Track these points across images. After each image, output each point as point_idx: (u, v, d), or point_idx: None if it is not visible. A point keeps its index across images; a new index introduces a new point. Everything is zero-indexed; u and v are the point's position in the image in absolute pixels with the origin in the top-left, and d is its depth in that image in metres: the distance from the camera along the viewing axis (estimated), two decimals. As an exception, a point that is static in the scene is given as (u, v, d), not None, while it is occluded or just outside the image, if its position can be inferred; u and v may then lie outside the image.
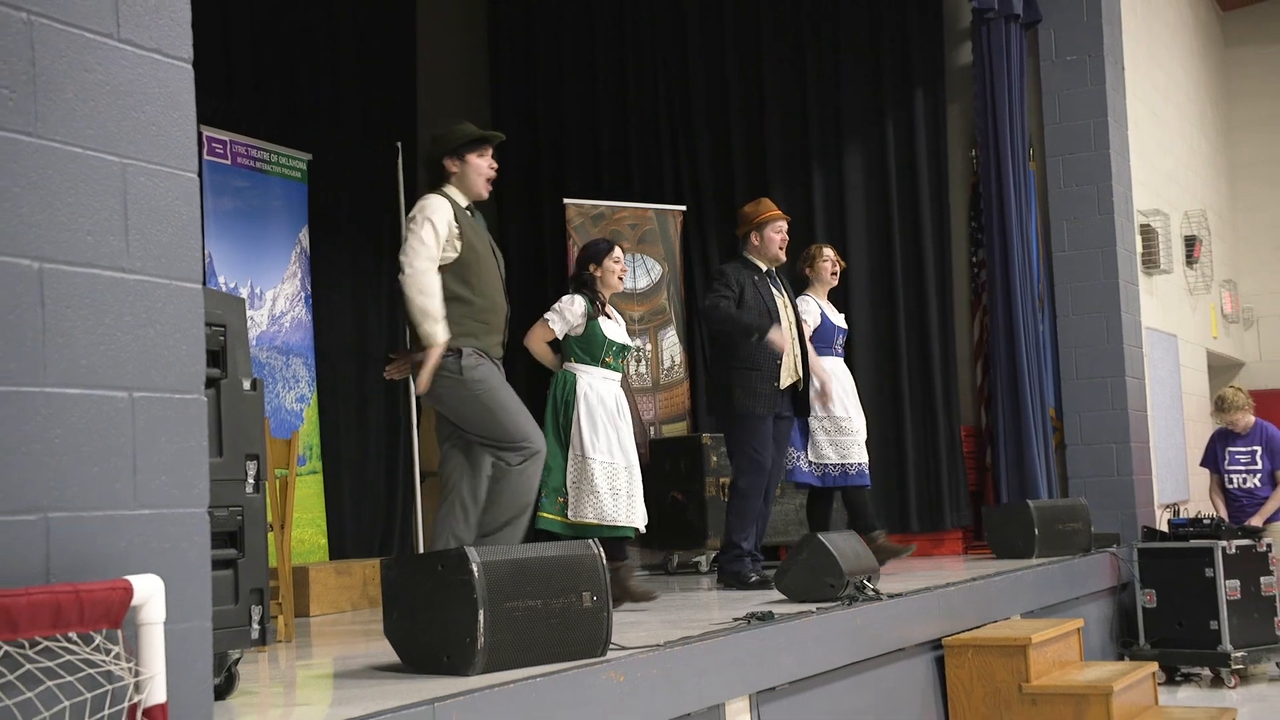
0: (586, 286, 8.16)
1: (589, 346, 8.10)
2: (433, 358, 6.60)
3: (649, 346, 11.32)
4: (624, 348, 8.30)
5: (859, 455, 9.83)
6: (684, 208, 11.95)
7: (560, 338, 8.08)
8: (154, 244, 3.47)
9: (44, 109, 3.22)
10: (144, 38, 3.51)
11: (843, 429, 9.72)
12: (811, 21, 13.06)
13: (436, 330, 6.59)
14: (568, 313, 8.07)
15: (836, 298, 10.52)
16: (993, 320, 12.12)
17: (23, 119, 3.16)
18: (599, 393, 8.06)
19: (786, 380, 8.86)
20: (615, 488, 7.98)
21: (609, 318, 8.21)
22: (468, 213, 6.99)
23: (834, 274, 9.46)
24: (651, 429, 11.13)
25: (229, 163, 9.90)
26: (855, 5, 12.91)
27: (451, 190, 6.97)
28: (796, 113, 13.11)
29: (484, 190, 7.05)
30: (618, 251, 8.37)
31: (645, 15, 13.55)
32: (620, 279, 8.36)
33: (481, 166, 6.99)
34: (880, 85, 12.87)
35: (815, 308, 9.75)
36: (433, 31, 13.07)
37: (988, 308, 12.24)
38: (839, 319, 10.16)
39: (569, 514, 7.92)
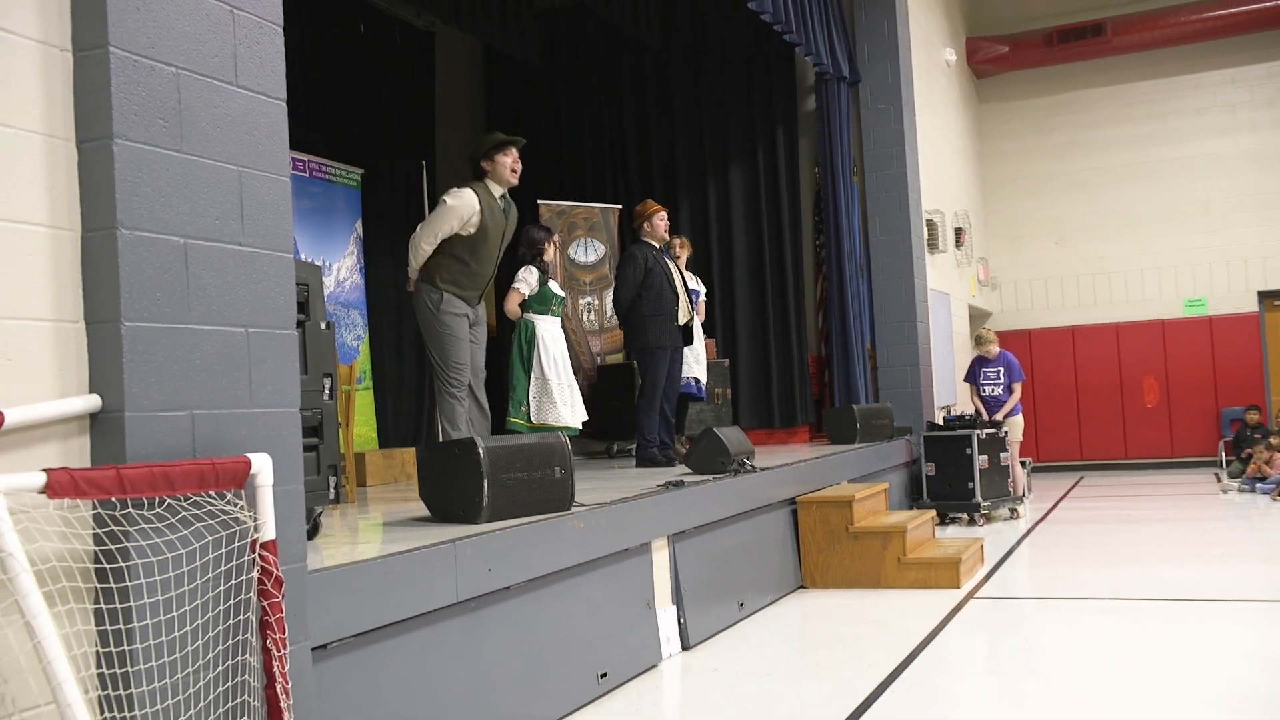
0: (535, 260, 8.30)
1: (543, 302, 8.25)
2: (410, 287, 7.03)
3: (596, 301, 11.31)
4: (562, 298, 8.55)
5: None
6: (619, 206, 11.93)
7: (526, 297, 8.22)
8: (260, 226, 3.49)
9: (187, 133, 3.23)
10: (253, 84, 3.50)
11: (699, 359, 9.85)
12: (708, 78, 13.05)
13: (412, 275, 7.00)
14: (530, 280, 8.21)
15: (702, 267, 10.63)
16: (830, 283, 12.21)
17: (172, 139, 3.18)
18: (551, 334, 8.28)
19: (683, 319, 8.92)
20: (564, 400, 8.13)
21: (553, 279, 8.46)
22: (499, 200, 7.01)
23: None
24: (599, 358, 11.14)
25: (306, 175, 9.89)
26: (737, 67, 12.91)
27: (488, 182, 6.99)
28: (697, 142, 13.11)
29: (512, 180, 7.13)
30: (555, 238, 8.66)
31: (594, 70, 13.50)
32: (551, 250, 8.60)
33: (507, 163, 7.07)
34: (754, 124, 12.89)
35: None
36: (446, 82, 13.01)
37: (826, 275, 12.33)
38: (694, 281, 10.20)
39: (532, 418, 8.06)
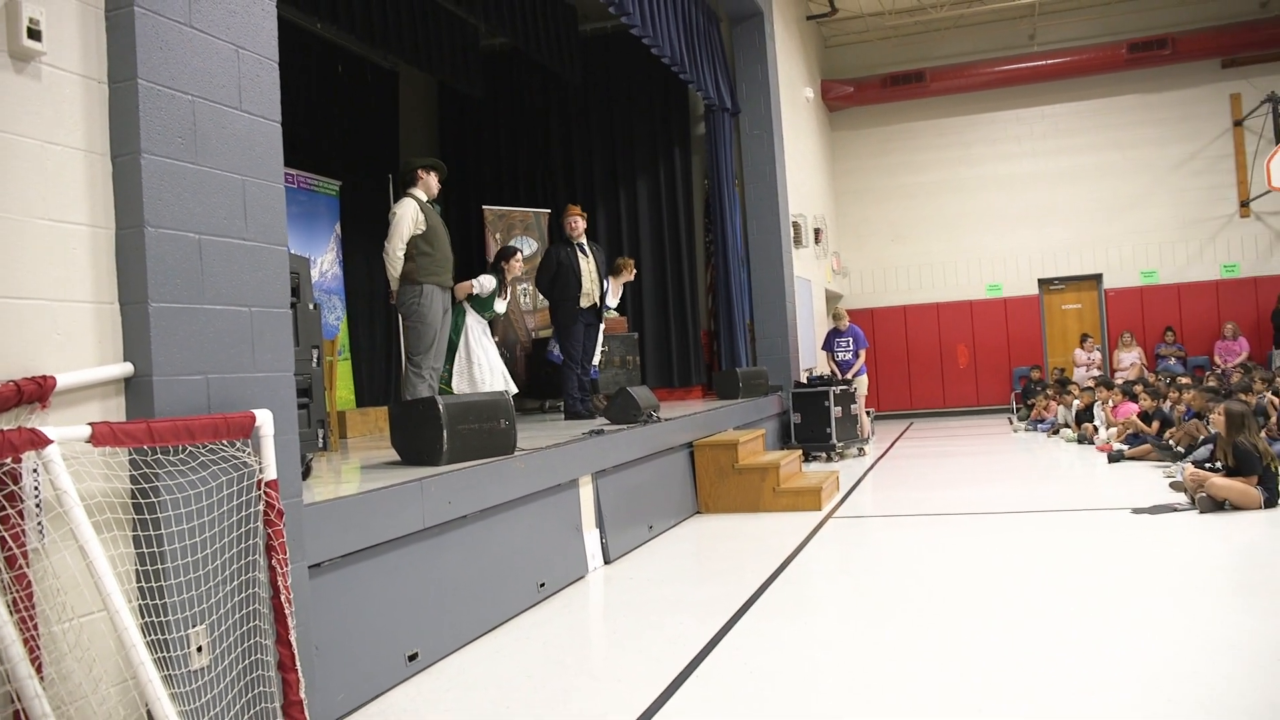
0: (498, 272, 8.19)
1: (480, 306, 8.15)
2: (393, 299, 6.90)
3: (530, 287, 11.20)
4: (498, 315, 8.42)
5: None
6: (549, 210, 11.81)
7: (475, 291, 8.10)
8: (260, 224, 3.40)
9: (200, 148, 3.13)
10: (255, 109, 3.40)
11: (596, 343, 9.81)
12: (620, 107, 12.93)
13: (393, 286, 6.84)
14: (485, 283, 8.12)
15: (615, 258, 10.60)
16: (717, 272, 12.21)
17: (189, 154, 3.09)
18: (474, 327, 8.18)
19: (585, 303, 8.84)
20: (482, 378, 8.04)
21: (502, 297, 8.28)
22: (429, 204, 6.91)
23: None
24: (533, 333, 11.03)
25: (294, 186, 9.63)
26: (643, 99, 12.81)
27: (417, 190, 6.88)
28: (611, 158, 12.98)
29: (434, 191, 7.00)
30: (520, 256, 8.47)
31: (528, 100, 13.32)
32: (520, 267, 8.43)
33: (434, 179, 6.95)
34: (657, 144, 12.80)
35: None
36: (408, 110, 12.73)
37: (714, 265, 12.32)
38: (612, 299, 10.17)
39: (454, 390, 7.99)
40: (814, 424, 11.22)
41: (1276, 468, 7.06)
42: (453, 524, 4.67)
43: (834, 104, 17.89)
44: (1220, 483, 6.89)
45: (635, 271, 10.67)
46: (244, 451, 3.10)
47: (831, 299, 16.70)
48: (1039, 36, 17.30)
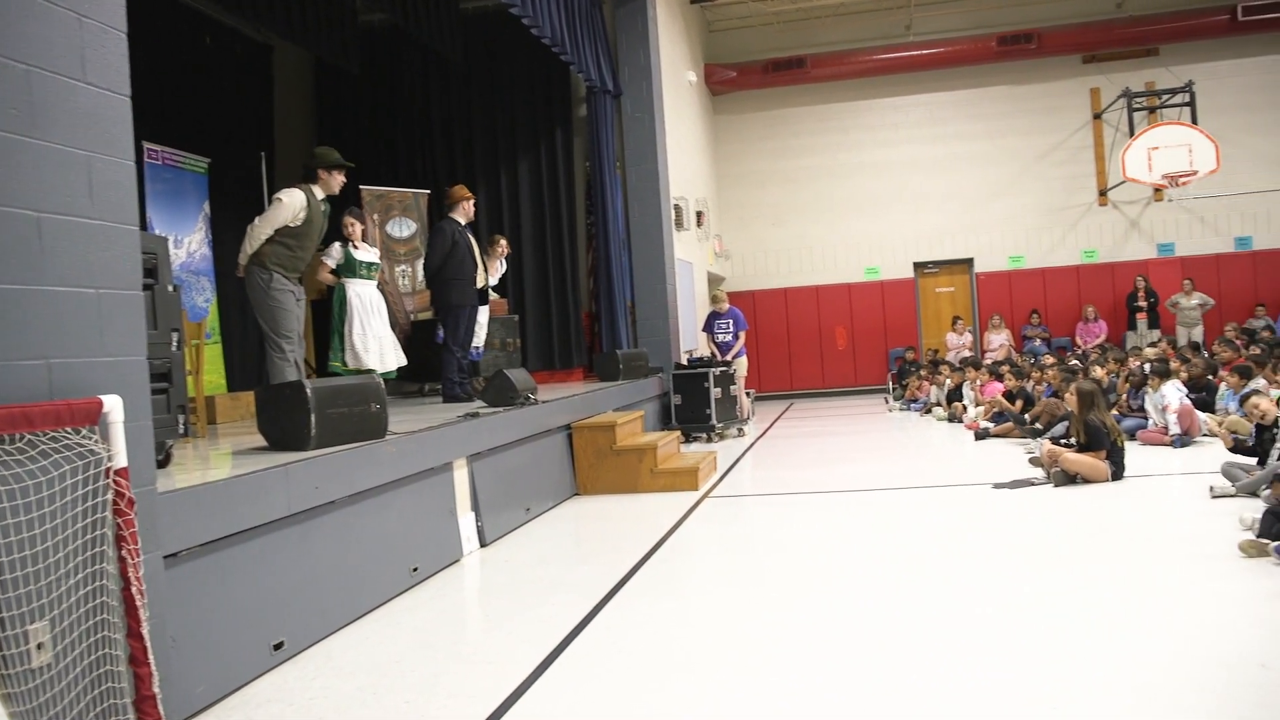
0: (339, 236, 8.05)
1: (350, 269, 8.00)
2: (240, 273, 6.68)
3: (409, 269, 11.02)
4: (372, 264, 8.23)
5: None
6: (429, 191, 11.62)
7: (334, 268, 7.95)
8: (108, 202, 3.26)
9: (39, 121, 2.99)
10: (101, 81, 3.25)
11: (481, 325, 9.69)
12: (501, 87, 12.81)
13: (242, 262, 6.61)
14: (334, 253, 7.97)
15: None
16: (598, 254, 12.22)
17: (24, 126, 2.94)
18: (359, 293, 8.03)
19: (480, 283, 8.79)
20: (370, 349, 7.93)
21: (358, 249, 8.11)
22: (321, 202, 6.71)
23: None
24: (411, 315, 10.87)
25: (159, 162, 9.22)
26: (524, 79, 12.72)
27: (315, 187, 6.68)
28: (492, 139, 12.87)
29: (335, 191, 6.80)
30: (354, 212, 8.35)
31: (408, 78, 13.08)
32: (361, 229, 8.28)
33: (338, 180, 6.74)
34: (538, 125, 12.74)
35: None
36: (283, 86, 12.34)
37: (595, 247, 12.33)
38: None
39: (347, 364, 7.85)
40: (694, 405, 11.34)
41: (1123, 443, 7.46)
42: (321, 509, 4.59)
43: (717, 88, 18.05)
44: (1072, 458, 7.25)
45: (509, 249, 10.58)
46: (91, 439, 2.98)
47: (714, 281, 16.89)
48: (915, 27, 17.76)
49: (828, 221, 18.26)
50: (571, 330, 12.54)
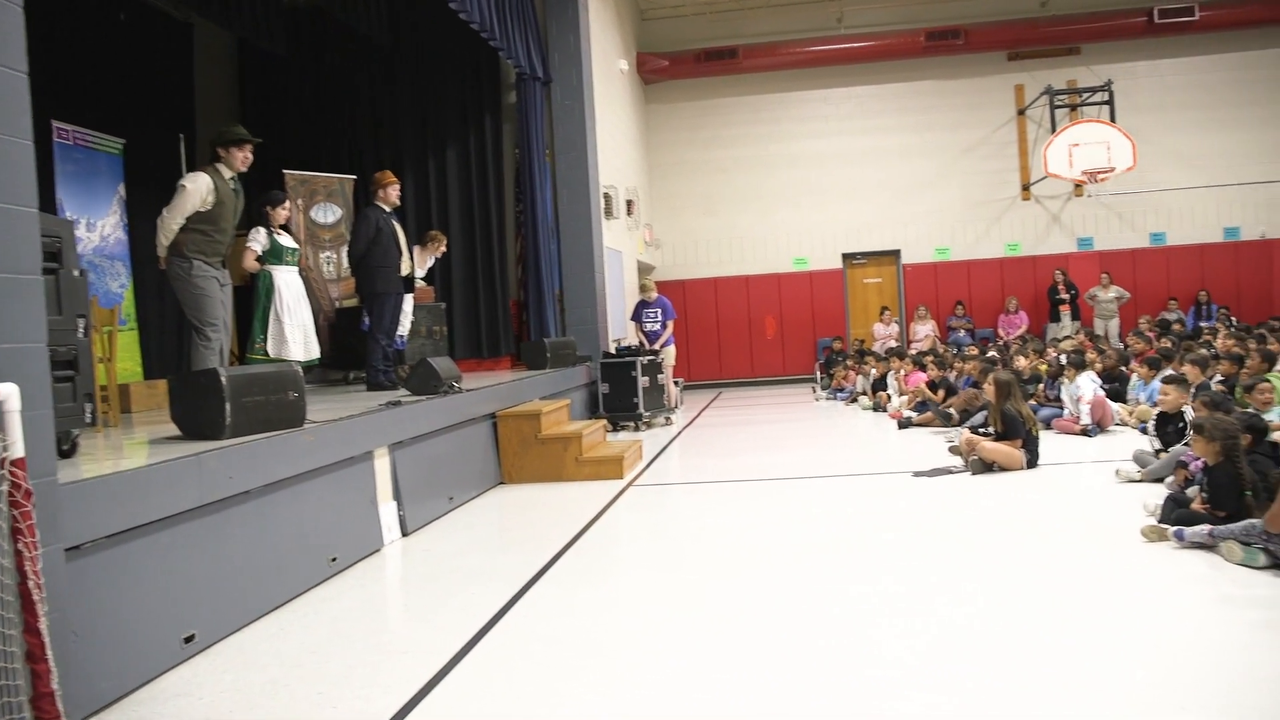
0: (263, 221, 7.84)
1: (275, 255, 7.82)
2: (161, 264, 6.51)
3: (335, 255, 10.85)
4: (295, 250, 8.05)
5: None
6: (355, 177, 11.44)
7: (260, 254, 7.74)
8: (3, 183, 3.16)
9: (-74, 99, 2.85)
10: (-5, 59, 3.13)
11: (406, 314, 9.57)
12: (429, 72, 12.69)
13: (161, 254, 6.45)
14: (259, 238, 7.77)
15: (423, 227, 10.40)
16: (527, 242, 12.16)
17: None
18: (286, 280, 7.84)
19: (405, 270, 8.69)
20: (295, 338, 7.76)
21: (280, 234, 7.92)
22: (229, 181, 6.53)
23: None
24: (336, 302, 10.71)
25: (70, 142, 8.95)
26: (453, 65, 12.61)
27: (220, 166, 6.50)
28: (420, 125, 12.75)
29: (242, 169, 6.60)
30: (286, 205, 8.10)
31: (334, 61, 12.87)
32: (285, 214, 8.04)
33: (240, 156, 6.54)
34: (467, 111, 12.65)
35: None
36: (204, 66, 12.03)
37: (524, 235, 12.26)
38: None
39: (269, 353, 7.68)
40: (621, 394, 11.37)
41: (1038, 432, 7.66)
42: (235, 500, 4.51)
43: (649, 77, 18.05)
44: (989, 446, 7.42)
45: (446, 248, 10.51)
46: (-15, 428, 2.90)
47: (644, 270, 16.92)
48: (846, 20, 17.95)
49: (758, 212, 18.40)
50: (499, 318, 12.48)
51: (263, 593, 4.64)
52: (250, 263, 7.74)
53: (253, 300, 7.93)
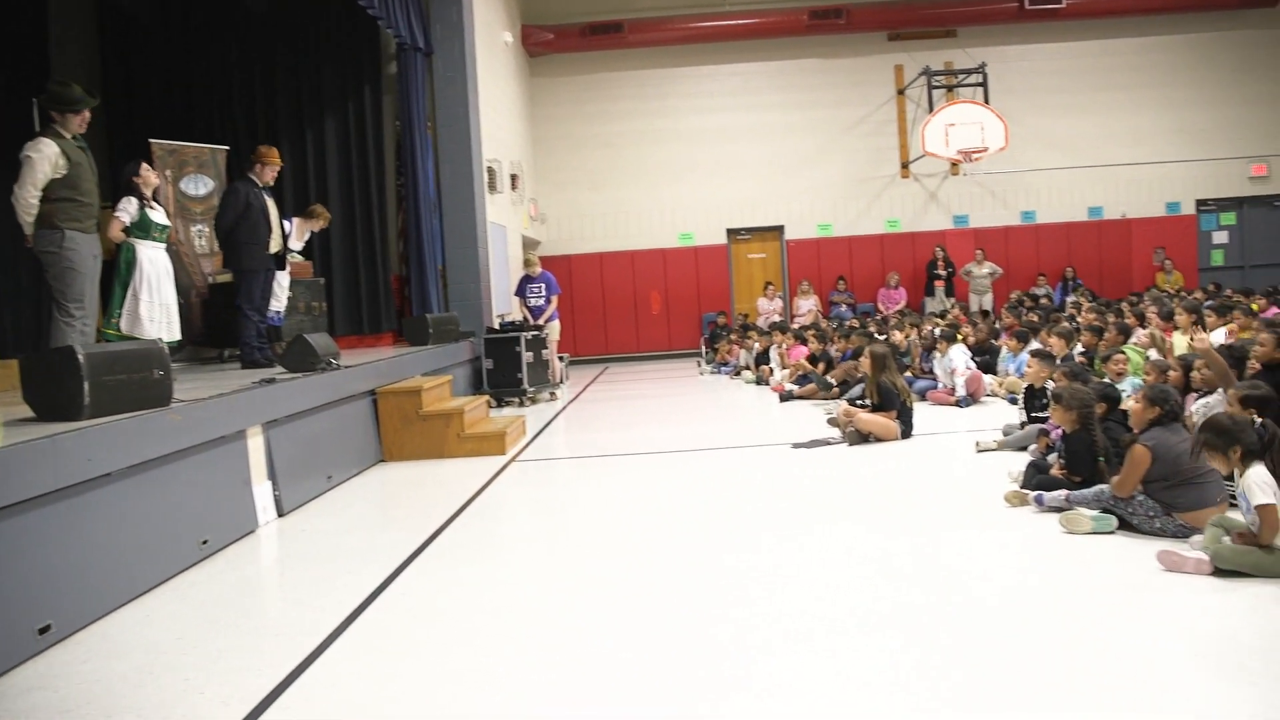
0: (133, 190, 7.44)
1: (144, 228, 7.42)
2: (29, 242, 6.17)
3: (206, 229, 10.45)
4: (165, 226, 7.65)
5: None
6: (227, 148, 11.03)
7: (128, 225, 7.36)
8: None
9: None
10: None
11: (283, 289, 9.33)
12: (306, 39, 12.31)
13: (28, 231, 6.12)
14: (129, 209, 7.37)
15: (301, 201, 10.11)
16: (408, 216, 11.95)
17: None
18: (150, 257, 7.44)
19: (274, 248, 8.44)
20: (152, 317, 7.39)
21: (153, 208, 7.55)
22: (73, 140, 6.20)
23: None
24: (209, 278, 10.33)
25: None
26: (331, 32, 12.26)
27: (58, 128, 6.16)
28: (296, 94, 12.35)
29: (80, 130, 6.26)
30: (146, 167, 7.65)
31: (204, 25, 12.35)
32: (154, 179, 7.65)
33: (76, 120, 6.20)
34: (346, 81, 12.31)
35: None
36: (61, 26, 11.39)
37: (406, 209, 12.04)
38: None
39: (122, 329, 7.30)
40: (506, 369, 11.31)
41: (912, 403, 7.91)
42: (95, 483, 4.33)
43: (534, 50, 17.88)
44: (865, 418, 7.64)
45: (328, 222, 10.25)
46: None
47: (529, 245, 16.81)
48: (730, -3, 18.10)
49: (644, 187, 18.45)
50: (380, 294, 12.24)
51: (127, 579, 4.49)
52: (116, 233, 7.36)
53: (113, 274, 7.55)
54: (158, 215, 7.57)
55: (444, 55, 12.26)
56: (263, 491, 5.98)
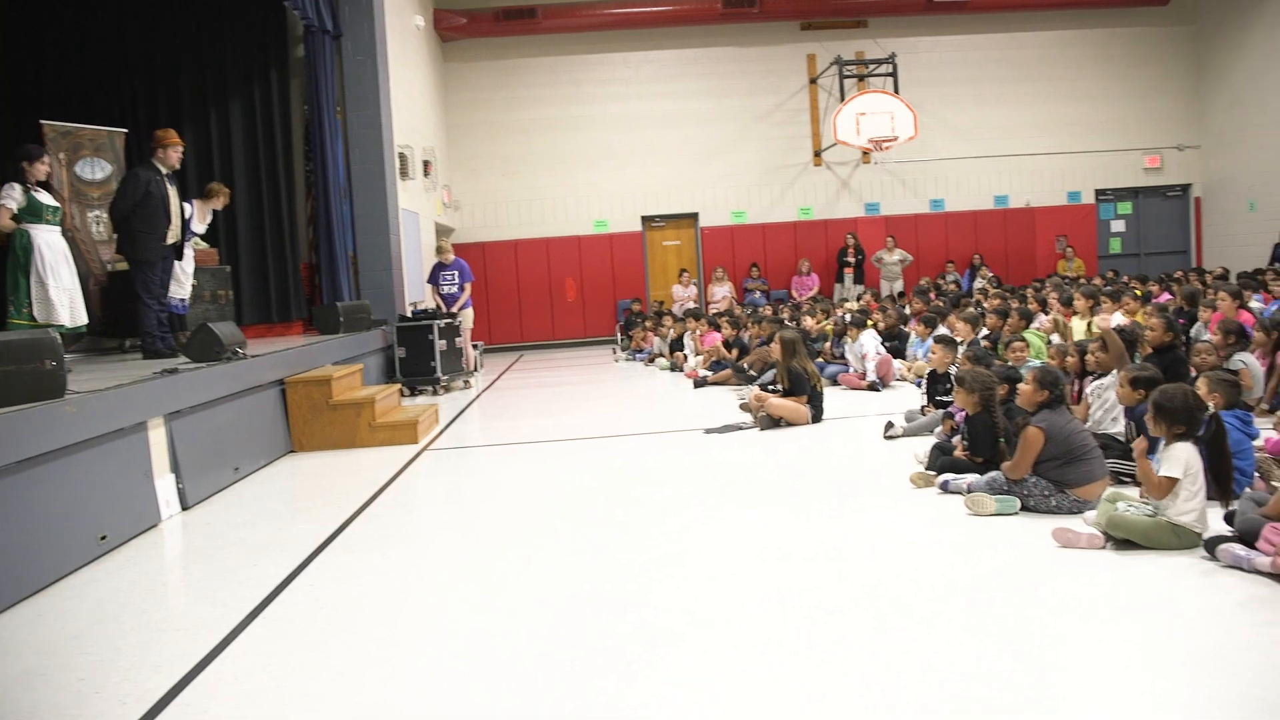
0: (19, 176, 7.14)
1: (34, 213, 7.13)
2: None
3: (104, 215, 10.10)
4: (56, 208, 7.36)
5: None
6: (126, 130, 10.66)
7: (15, 211, 7.07)
8: None
9: None
10: None
11: (188, 276, 9.10)
12: (208, 20, 11.94)
13: None
14: (14, 195, 7.07)
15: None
16: (318, 202, 11.70)
17: None
18: (48, 241, 7.17)
19: (172, 239, 8.19)
20: (61, 302, 7.13)
21: (38, 191, 7.24)
22: None
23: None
24: (108, 265, 9.99)
25: None
26: (234, 13, 11.91)
27: None
28: (198, 76, 11.98)
29: None
30: (46, 158, 7.34)
31: (101, 4, 11.92)
32: (45, 169, 7.33)
33: None
34: (251, 64, 12.01)
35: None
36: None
37: (315, 195, 11.79)
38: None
39: (35, 318, 7.03)
40: (418, 358, 11.17)
41: (822, 388, 8.04)
42: (-18, 478, 4.18)
43: (447, 35, 17.63)
44: (776, 402, 7.74)
45: (229, 199, 9.96)
46: None
47: (442, 232, 16.61)
48: (644, -17, 18.06)
49: (559, 174, 18.36)
50: (290, 282, 11.99)
51: (17, 577, 4.33)
52: (4, 221, 7.07)
53: (7, 263, 7.25)
54: (46, 198, 7.28)
55: (353, 38, 12.02)
56: (165, 485, 5.82)
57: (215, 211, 10.01)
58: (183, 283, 9.01)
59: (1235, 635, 3.22)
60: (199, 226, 9.74)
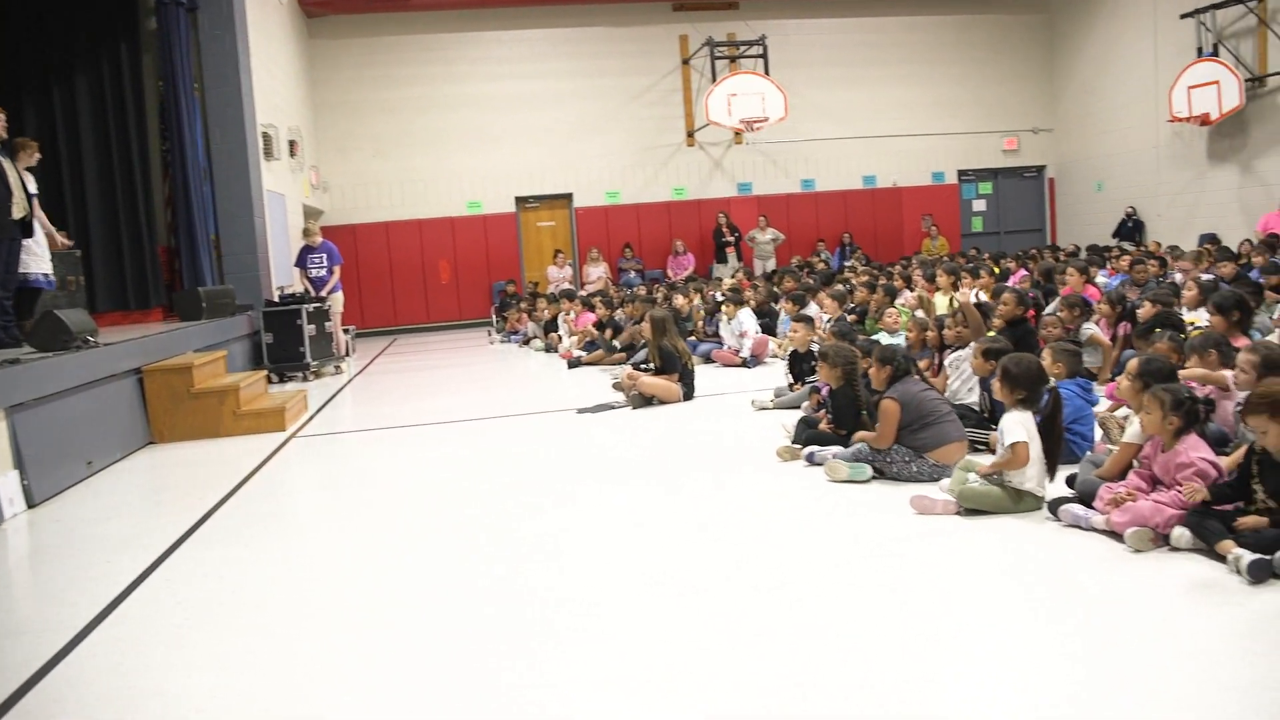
0: None
1: None
2: None
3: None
4: None
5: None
6: (-41, 107, 10.03)
7: None
8: None
9: None
10: None
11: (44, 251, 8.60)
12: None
13: None
14: None
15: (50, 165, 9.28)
16: (175, 183, 11.21)
17: None
18: None
19: (18, 214, 7.71)
20: None
21: None
22: None
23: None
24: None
25: None
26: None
27: None
28: (40, 49, 11.22)
29: None
30: None
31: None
32: None
33: None
34: (98, 36, 11.35)
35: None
36: None
37: (172, 176, 11.30)
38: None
39: None
40: (287, 343, 10.86)
41: (693, 366, 8.14)
42: None
43: (312, 10, 17.09)
44: (648, 381, 7.80)
45: (39, 155, 9.28)
46: None
47: (311, 214, 16.15)
48: (516, -39, 17.86)
49: (431, 155, 18.04)
50: (147, 266, 11.46)
51: None
52: None
53: None
54: None
55: (209, 11, 11.51)
56: (8, 482, 5.53)
57: (32, 176, 9.35)
58: (40, 256, 8.50)
59: (1079, 586, 3.42)
60: (32, 186, 9.13)
